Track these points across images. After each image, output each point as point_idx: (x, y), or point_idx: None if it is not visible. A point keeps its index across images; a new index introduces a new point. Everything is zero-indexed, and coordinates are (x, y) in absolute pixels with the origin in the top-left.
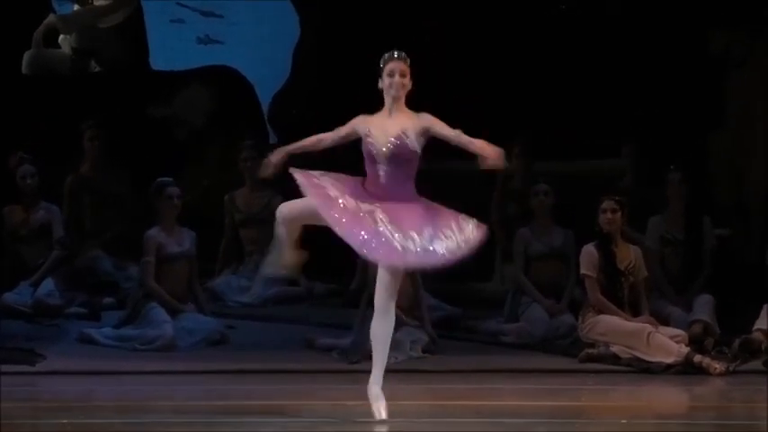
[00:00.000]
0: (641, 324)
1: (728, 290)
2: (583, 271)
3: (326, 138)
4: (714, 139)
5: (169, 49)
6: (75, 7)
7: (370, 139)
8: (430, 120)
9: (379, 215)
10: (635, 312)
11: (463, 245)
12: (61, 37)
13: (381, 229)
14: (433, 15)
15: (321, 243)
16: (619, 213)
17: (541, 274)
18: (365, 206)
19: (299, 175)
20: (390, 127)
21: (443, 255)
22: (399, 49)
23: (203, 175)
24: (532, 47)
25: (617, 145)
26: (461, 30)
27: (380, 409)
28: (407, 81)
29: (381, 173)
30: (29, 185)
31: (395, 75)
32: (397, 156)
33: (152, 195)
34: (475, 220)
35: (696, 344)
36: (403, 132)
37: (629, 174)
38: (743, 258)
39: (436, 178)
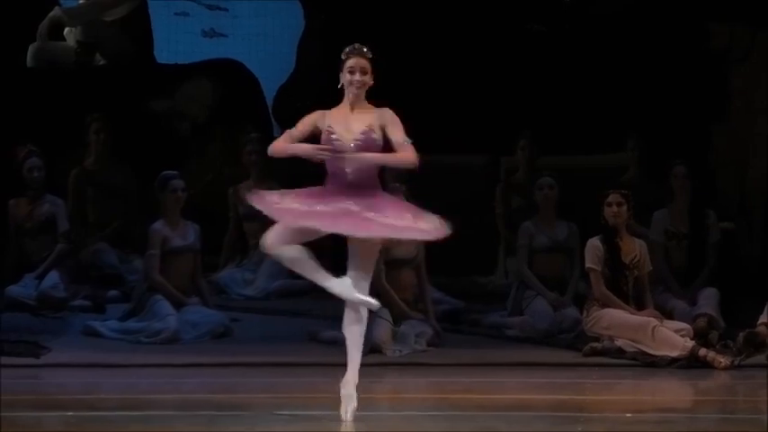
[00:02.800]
0: (646, 318)
1: (733, 284)
2: (588, 264)
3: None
4: (717, 133)
5: (174, 43)
6: (80, 0)
7: (334, 136)
8: (389, 118)
9: (354, 207)
10: (639, 306)
11: (441, 226)
12: (66, 30)
13: (364, 214)
14: (439, 9)
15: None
16: (624, 207)
17: (545, 267)
18: (339, 205)
19: (258, 203)
20: (354, 124)
21: (434, 229)
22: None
23: (207, 169)
24: (538, 41)
25: (621, 139)
26: (467, 24)
27: (344, 411)
28: (368, 78)
29: (348, 169)
30: (36, 178)
31: (356, 72)
32: (365, 151)
33: (157, 189)
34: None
35: (701, 338)
36: (368, 127)
37: (633, 168)
38: (747, 252)
39: (440, 171)
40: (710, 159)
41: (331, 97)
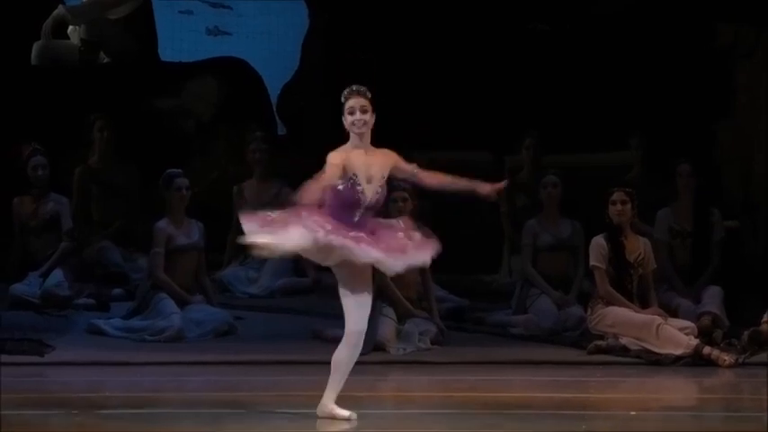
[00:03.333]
0: (650, 316)
1: (737, 282)
2: (592, 262)
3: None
4: (722, 131)
5: (178, 41)
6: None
7: (359, 188)
8: (395, 158)
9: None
10: (644, 304)
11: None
12: (70, 28)
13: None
14: (443, 8)
15: None
16: (629, 205)
17: (549, 265)
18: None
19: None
20: (374, 171)
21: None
22: (360, 85)
23: (211, 167)
24: (542, 40)
25: (625, 137)
26: (471, 22)
27: (344, 414)
28: (369, 117)
29: (357, 217)
30: (40, 177)
31: (356, 112)
32: (379, 205)
33: (161, 187)
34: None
35: (705, 336)
36: (383, 178)
37: (637, 166)
38: (752, 250)
39: (444, 169)
40: (715, 157)
41: (334, 96)
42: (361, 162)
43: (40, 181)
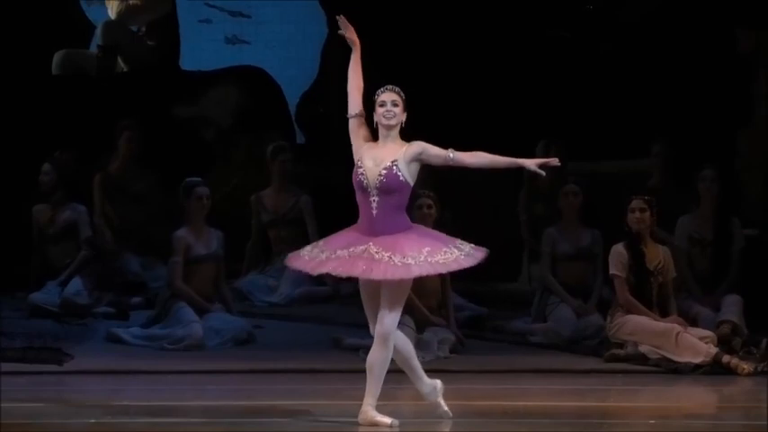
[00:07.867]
0: (670, 324)
1: (757, 290)
2: (612, 271)
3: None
4: (743, 139)
5: (197, 50)
6: (113, 10)
7: (361, 170)
8: (421, 145)
9: (373, 248)
10: (663, 312)
11: (463, 258)
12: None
13: (378, 257)
14: (463, 15)
15: None
16: (648, 213)
17: (569, 274)
18: (359, 248)
19: (296, 264)
20: (382, 157)
21: (444, 264)
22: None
23: (231, 175)
24: (562, 47)
25: (646, 145)
26: (492, 29)
27: (386, 421)
28: (399, 111)
29: (374, 204)
30: (45, 182)
31: (386, 104)
32: (388, 187)
33: (181, 195)
34: (472, 245)
35: (724, 344)
36: (393, 163)
37: (657, 173)
38: None
39: (464, 178)
40: (736, 165)
41: None
42: (375, 149)
43: (45, 186)
